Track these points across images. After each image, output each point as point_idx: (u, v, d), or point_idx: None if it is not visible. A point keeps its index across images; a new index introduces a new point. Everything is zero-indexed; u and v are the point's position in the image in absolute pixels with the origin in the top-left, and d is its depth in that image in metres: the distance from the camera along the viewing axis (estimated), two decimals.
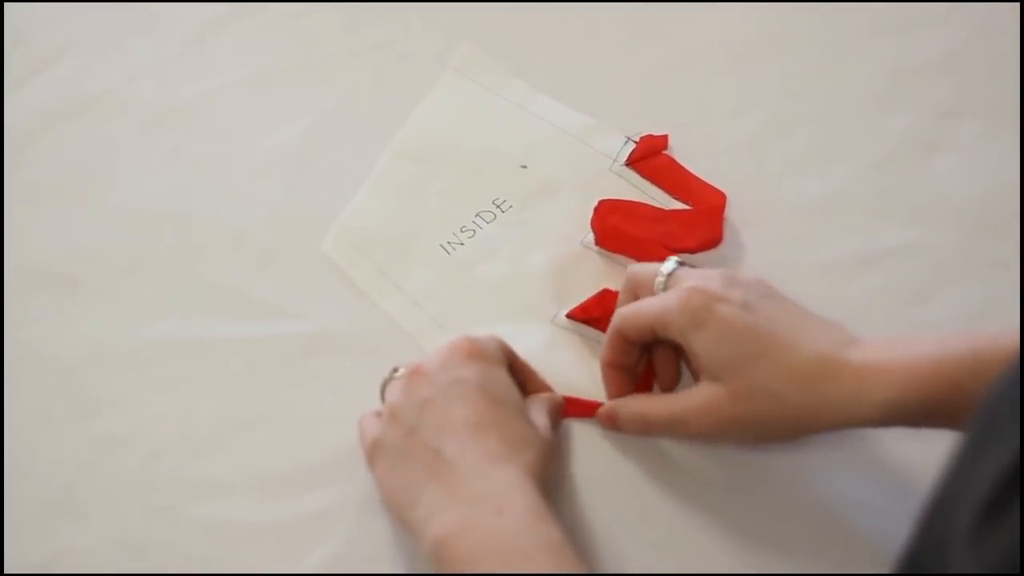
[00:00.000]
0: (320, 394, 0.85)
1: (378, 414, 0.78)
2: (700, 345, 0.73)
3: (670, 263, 0.78)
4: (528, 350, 0.84)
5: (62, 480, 0.81)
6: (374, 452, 0.75)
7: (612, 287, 0.86)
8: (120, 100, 1.01)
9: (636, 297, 0.80)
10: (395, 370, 0.79)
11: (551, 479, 0.75)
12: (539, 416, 0.77)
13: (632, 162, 0.95)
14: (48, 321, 0.89)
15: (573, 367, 0.85)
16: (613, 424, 0.80)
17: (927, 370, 0.68)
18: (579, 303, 0.87)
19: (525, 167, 0.96)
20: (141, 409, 0.84)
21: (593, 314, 0.86)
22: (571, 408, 0.83)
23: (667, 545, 0.78)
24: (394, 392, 0.77)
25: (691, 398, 0.74)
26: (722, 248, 0.90)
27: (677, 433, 0.78)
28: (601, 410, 0.81)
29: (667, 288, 0.77)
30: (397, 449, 0.74)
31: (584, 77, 1.01)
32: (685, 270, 0.78)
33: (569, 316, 0.87)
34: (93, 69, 1.03)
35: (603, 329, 0.84)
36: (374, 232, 0.93)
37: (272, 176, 0.96)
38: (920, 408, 0.68)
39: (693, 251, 0.89)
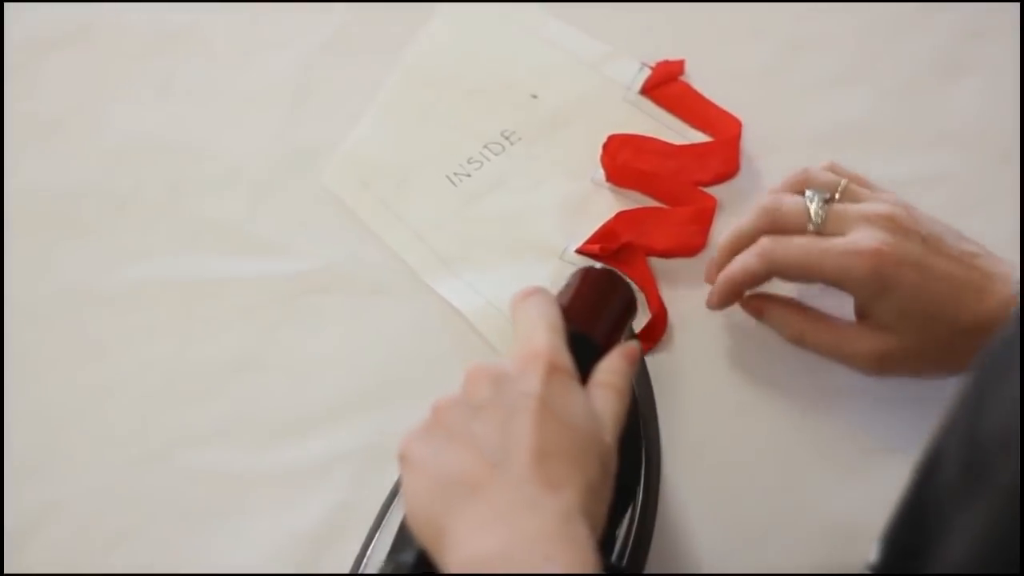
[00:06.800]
0: (320, 335, 0.83)
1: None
2: (877, 308, 0.74)
3: (817, 200, 0.76)
4: None
5: (48, 428, 0.80)
6: (413, 446, 0.64)
7: None
8: (111, 28, 0.98)
9: (773, 230, 0.76)
10: None
11: (607, 490, 0.67)
12: (606, 403, 0.67)
13: (647, 90, 0.92)
14: (33, 262, 0.87)
15: None
16: (759, 314, 0.79)
17: None
18: (589, 236, 0.85)
19: (535, 97, 0.93)
20: (131, 353, 0.83)
21: (606, 247, 0.84)
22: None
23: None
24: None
25: (858, 341, 0.75)
26: (738, 179, 0.88)
27: (832, 358, 0.77)
28: (747, 299, 0.79)
29: (825, 229, 0.75)
30: (441, 441, 0.64)
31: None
32: (841, 208, 0.75)
33: (579, 251, 0.85)
34: None
35: (615, 264, 0.82)
36: (378, 162, 0.90)
37: (269, 106, 0.94)
38: None
39: (708, 184, 0.87)
